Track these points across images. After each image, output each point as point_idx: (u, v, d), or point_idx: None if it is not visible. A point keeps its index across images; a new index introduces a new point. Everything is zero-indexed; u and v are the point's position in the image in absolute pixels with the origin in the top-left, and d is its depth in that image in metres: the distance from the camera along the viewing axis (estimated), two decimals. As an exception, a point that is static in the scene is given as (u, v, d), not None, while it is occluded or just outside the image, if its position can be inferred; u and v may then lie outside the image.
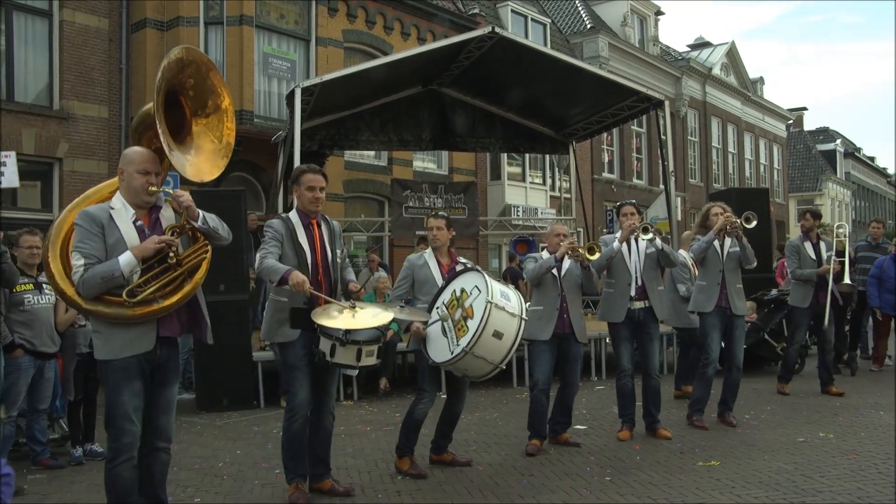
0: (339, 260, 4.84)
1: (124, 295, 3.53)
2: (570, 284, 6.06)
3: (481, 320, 4.85)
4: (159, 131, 3.59)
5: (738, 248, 6.66)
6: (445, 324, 5.14)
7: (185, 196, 3.74)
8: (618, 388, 6.48)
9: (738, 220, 6.57)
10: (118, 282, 3.54)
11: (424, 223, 13.57)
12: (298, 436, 4.72)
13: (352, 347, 4.41)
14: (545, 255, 6.14)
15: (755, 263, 6.79)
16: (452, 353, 4.96)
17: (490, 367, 5.02)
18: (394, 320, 4.99)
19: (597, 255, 5.94)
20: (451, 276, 5.35)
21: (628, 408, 6.47)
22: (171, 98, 3.84)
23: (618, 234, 6.36)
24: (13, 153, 5.71)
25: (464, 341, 4.91)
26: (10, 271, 5.44)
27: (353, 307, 4.47)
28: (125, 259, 3.55)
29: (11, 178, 5.55)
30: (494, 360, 4.99)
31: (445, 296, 5.27)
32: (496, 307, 4.92)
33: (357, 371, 4.76)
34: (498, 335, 4.93)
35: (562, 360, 6.13)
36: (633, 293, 6.33)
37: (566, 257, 5.98)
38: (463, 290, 5.20)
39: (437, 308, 5.25)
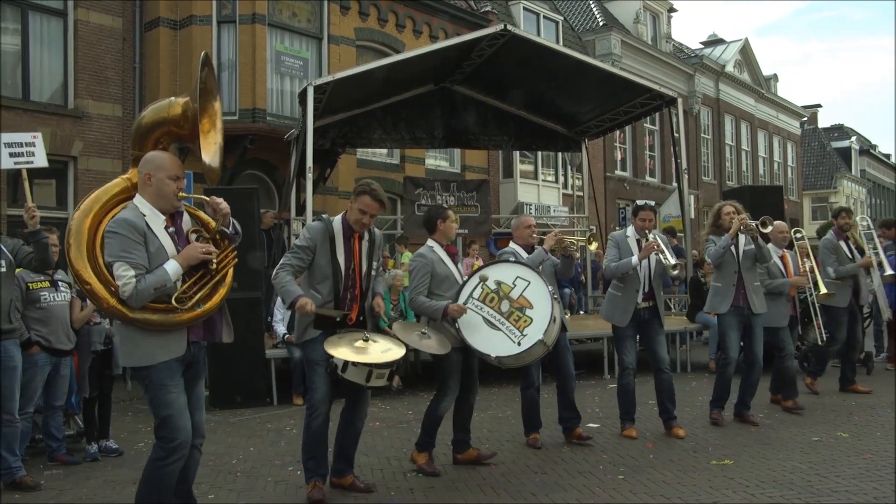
0: (373, 273, 4.84)
1: (174, 301, 3.57)
2: (548, 276, 6.02)
3: (551, 311, 5.14)
4: (200, 132, 3.72)
5: (753, 247, 6.61)
6: (491, 317, 5.19)
7: (224, 203, 3.80)
8: (620, 387, 6.43)
9: (753, 224, 6.50)
10: (169, 290, 3.56)
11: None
12: (318, 434, 4.69)
13: (363, 369, 4.41)
14: (514, 247, 6.10)
15: (772, 260, 6.75)
16: (522, 345, 5.12)
17: (544, 350, 5.30)
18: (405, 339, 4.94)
19: (595, 245, 5.94)
20: (474, 269, 5.40)
21: (630, 406, 6.45)
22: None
23: (629, 233, 6.39)
24: (40, 134, 5.89)
25: (534, 332, 5.12)
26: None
27: (367, 340, 4.49)
28: (173, 268, 3.57)
29: (41, 159, 5.73)
30: (550, 344, 5.28)
31: (473, 290, 5.28)
32: (553, 296, 5.24)
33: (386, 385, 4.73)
34: (554, 320, 5.22)
35: (554, 356, 6.03)
36: (639, 298, 6.31)
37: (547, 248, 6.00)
38: (500, 283, 5.25)
39: (467, 303, 5.23)
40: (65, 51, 12.67)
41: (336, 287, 4.65)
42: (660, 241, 6.24)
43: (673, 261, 6.12)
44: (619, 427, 6.53)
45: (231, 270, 3.87)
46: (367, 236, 4.82)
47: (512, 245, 6.17)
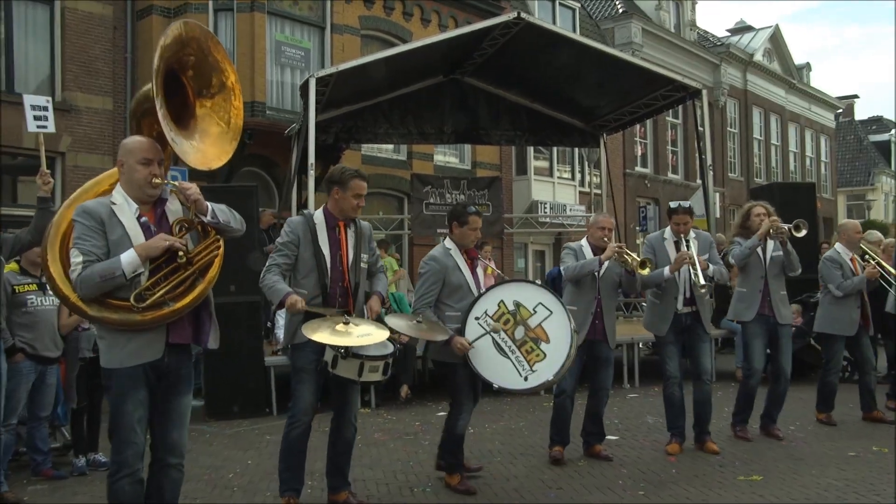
0: (363, 265, 4.78)
1: (132, 299, 3.45)
2: (607, 285, 5.99)
3: (569, 352, 4.97)
4: (160, 117, 3.51)
5: (781, 253, 6.57)
6: (501, 341, 5.06)
7: (193, 189, 3.65)
8: (665, 398, 6.37)
9: (785, 227, 6.44)
10: (119, 282, 3.45)
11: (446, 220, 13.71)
12: (296, 445, 4.71)
13: (353, 361, 4.38)
14: (584, 245, 6.07)
15: (799, 270, 6.66)
16: (529, 382, 5.00)
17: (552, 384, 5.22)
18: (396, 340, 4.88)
19: (647, 271, 5.82)
20: (495, 283, 5.29)
21: (677, 419, 6.35)
22: (171, 79, 3.76)
23: (666, 236, 6.34)
24: (50, 98, 6.00)
25: (545, 370, 4.97)
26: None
27: (347, 322, 4.39)
28: (128, 257, 3.46)
29: (52, 124, 5.86)
30: (558, 379, 5.15)
31: (489, 306, 5.14)
32: (576, 332, 5.09)
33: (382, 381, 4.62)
34: (570, 357, 5.06)
35: (592, 366, 6.07)
36: (679, 305, 6.23)
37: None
38: (519, 305, 5.10)
39: (480, 319, 5.12)
40: (51, 40, 12.73)
41: (322, 280, 4.61)
42: (694, 250, 6.11)
43: (702, 280, 5.97)
44: (644, 438, 6.54)
45: (216, 266, 3.69)
46: (353, 227, 4.80)
47: (583, 241, 6.13)
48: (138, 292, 3.48)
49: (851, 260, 7.22)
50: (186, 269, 3.60)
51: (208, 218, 3.69)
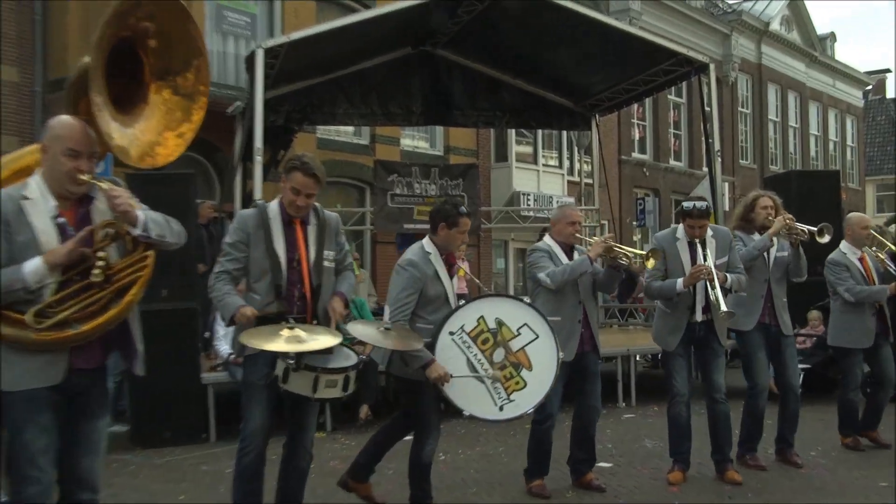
0: (327, 263, 4.71)
1: (30, 316, 3.36)
2: (585, 287, 5.97)
3: (552, 384, 5.23)
4: (94, 109, 3.44)
5: (786, 254, 6.58)
6: (477, 363, 5.07)
7: (122, 198, 3.54)
8: (670, 419, 6.35)
9: (801, 227, 6.45)
10: (19, 295, 3.38)
11: (416, 213, 13.71)
12: (249, 472, 4.63)
13: (306, 374, 4.31)
14: (552, 244, 6.01)
15: (805, 277, 6.69)
16: (504, 413, 5.16)
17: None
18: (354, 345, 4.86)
19: (653, 263, 5.86)
20: (474, 295, 5.29)
21: (682, 443, 6.33)
22: (122, 50, 3.64)
23: (679, 235, 6.25)
24: None
25: (523, 402, 5.16)
26: None
27: (292, 328, 4.34)
28: (32, 267, 3.39)
29: None
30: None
31: (467, 322, 5.12)
32: (563, 360, 5.34)
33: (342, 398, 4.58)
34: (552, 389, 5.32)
35: (579, 380, 6.00)
36: (698, 317, 6.19)
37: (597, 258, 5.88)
38: (501, 324, 5.13)
39: (455, 335, 5.08)
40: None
41: (276, 282, 4.55)
42: (711, 255, 6.09)
43: (723, 305, 5.85)
44: (642, 465, 6.58)
45: (138, 287, 3.57)
46: (314, 220, 4.72)
47: (547, 240, 6.09)
48: (40, 308, 3.40)
49: (860, 259, 7.19)
50: (103, 288, 3.50)
51: (138, 231, 3.59)
